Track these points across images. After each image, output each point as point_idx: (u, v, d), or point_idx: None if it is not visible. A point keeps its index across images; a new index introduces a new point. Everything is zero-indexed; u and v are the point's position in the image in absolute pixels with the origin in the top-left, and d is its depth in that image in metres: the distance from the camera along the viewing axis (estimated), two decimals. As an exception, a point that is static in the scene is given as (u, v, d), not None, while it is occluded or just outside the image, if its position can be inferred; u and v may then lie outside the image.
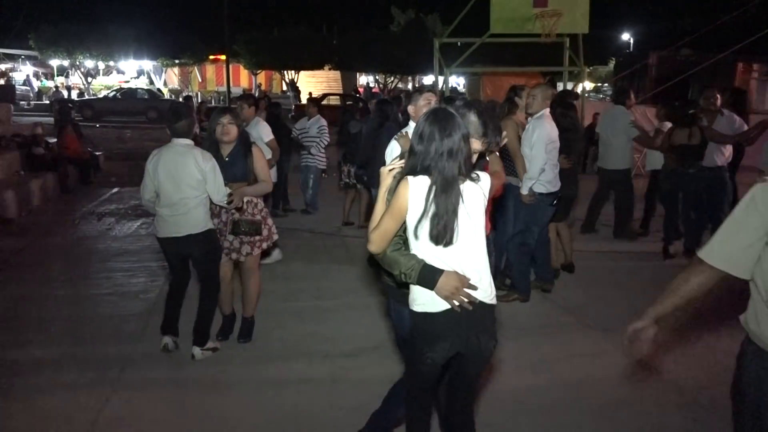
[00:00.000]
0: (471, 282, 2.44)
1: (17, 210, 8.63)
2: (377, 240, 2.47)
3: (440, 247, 2.43)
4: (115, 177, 12.65)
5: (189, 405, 3.74)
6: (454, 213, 2.40)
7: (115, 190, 11.17)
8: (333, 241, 7.56)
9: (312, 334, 4.77)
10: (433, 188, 2.40)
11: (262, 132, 6.46)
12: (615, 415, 3.64)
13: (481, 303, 2.48)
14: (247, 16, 36.56)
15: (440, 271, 2.42)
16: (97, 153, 13.01)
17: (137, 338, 4.70)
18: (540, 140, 5.05)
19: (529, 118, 5.25)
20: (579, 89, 14.02)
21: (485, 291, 2.50)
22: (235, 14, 30.14)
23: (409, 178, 2.44)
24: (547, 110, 5.22)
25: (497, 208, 5.56)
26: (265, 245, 4.55)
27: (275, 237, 4.65)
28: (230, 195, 4.17)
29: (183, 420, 3.59)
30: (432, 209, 2.39)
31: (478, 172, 2.56)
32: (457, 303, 2.43)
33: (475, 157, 2.68)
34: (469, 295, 2.43)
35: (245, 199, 4.34)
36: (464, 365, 2.62)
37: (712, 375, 4.11)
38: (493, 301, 2.54)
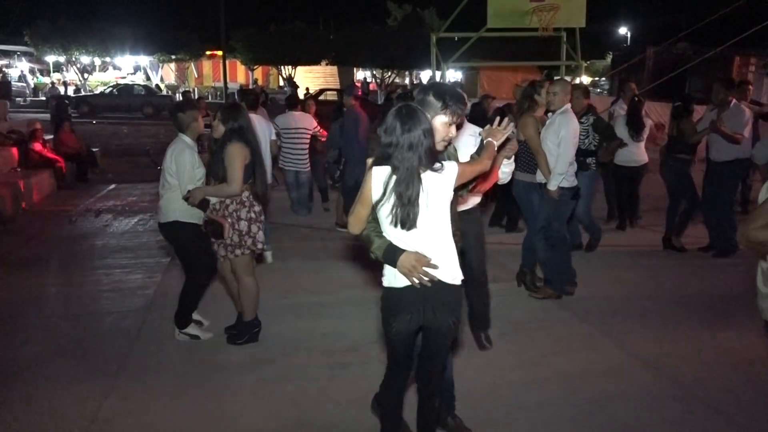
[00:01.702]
0: (432, 261, 2.67)
1: (14, 207, 8.62)
2: (352, 222, 2.78)
3: (403, 231, 2.67)
4: (112, 173, 12.63)
5: (188, 400, 3.75)
6: (415, 200, 2.60)
7: (112, 186, 11.15)
8: (330, 237, 7.56)
9: (310, 330, 4.78)
10: (394, 178, 2.61)
11: None
12: (612, 409, 3.65)
13: (440, 282, 2.70)
14: (244, 11, 36.59)
15: (401, 251, 2.68)
16: (94, 149, 12.98)
17: (135, 334, 4.71)
18: (568, 136, 5.03)
19: (550, 114, 5.25)
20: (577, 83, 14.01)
21: (446, 271, 2.72)
22: (231, 10, 30.14)
23: (374, 168, 2.68)
24: (569, 105, 5.19)
25: (524, 207, 5.62)
26: (238, 252, 4.29)
27: (259, 246, 4.38)
28: (188, 192, 4.28)
29: (182, 415, 3.60)
30: (393, 197, 2.62)
31: (444, 162, 2.70)
32: (416, 280, 2.68)
33: (452, 130, 2.82)
34: (427, 273, 2.67)
35: (213, 199, 4.29)
36: (427, 338, 2.85)
37: (709, 369, 4.14)
38: (455, 282, 2.75)
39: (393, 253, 2.68)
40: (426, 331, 2.82)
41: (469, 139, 3.77)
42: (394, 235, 2.70)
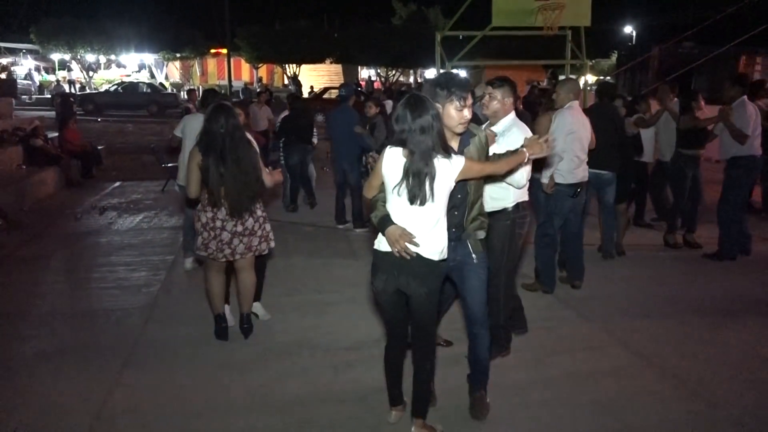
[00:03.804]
0: (415, 239, 3.00)
1: (19, 204, 8.65)
2: (366, 188, 3.25)
3: (407, 206, 3.00)
4: (116, 171, 12.66)
5: (191, 397, 3.76)
6: (425, 180, 2.93)
7: (117, 184, 11.18)
8: (334, 235, 7.57)
9: (313, 328, 4.78)
10: (408, 159, 2.95)
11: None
12: (616, 408, 3.64)
13: (419, 255, 3.02)
14: (248, 9, 36.54)
15: (391, 222, 3.04)
16: (100, 147, 13.01)
17: (140, 331, 4.72)
18: (557, 132, 5.10)
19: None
20: (581, 82, 13.98)
21: (428, 248, 3.04)
22: (236, 8, 30.13)
23: (388, 148, 3.06)
24: (574, 102, 5.22)
25: (531, 202, 5.71)
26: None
27: (197, 252, 4.48)
28: None
29: (186, 412, 3.60)
30: (406, 175, 2.95)
31: (453, 154, 3.01)
32: (396, 249, 3.02)
33: (465, 112, 3.10)
34: (407, 248, 2.99)
35: None
36: (410, 306, 3.20)
37: (713, 368, 4.12)
38: (432, 257, 3.05)
39: (384, 223, 3.07)
40: (408, 299, 3.16)
41: (517, 134, 3.90)
42: (394, 207, 3.06)
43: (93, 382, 3.93)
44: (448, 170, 2.98)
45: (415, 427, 3.28)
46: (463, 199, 3.25)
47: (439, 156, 2.95)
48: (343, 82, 8.42)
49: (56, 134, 11.89)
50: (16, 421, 3.52)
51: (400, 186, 2.98)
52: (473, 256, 3.35)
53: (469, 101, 3.15)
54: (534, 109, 7.98)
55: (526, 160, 3.29)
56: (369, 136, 7.36)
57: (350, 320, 4.92)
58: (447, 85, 3.10)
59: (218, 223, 4.28)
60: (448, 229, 3.18)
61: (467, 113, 3.12)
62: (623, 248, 6.65)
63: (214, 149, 4.15)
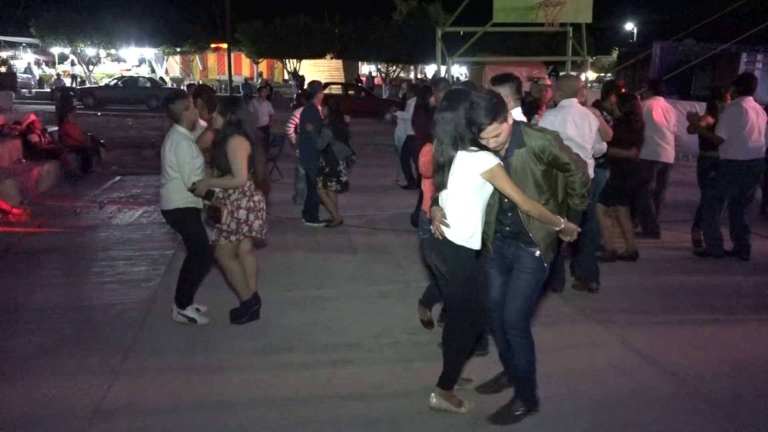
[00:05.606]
0: (445, 220, 3.21)
1: (19, 198, 8.64)
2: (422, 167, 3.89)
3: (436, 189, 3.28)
4: (116, 165, 12.64)
5: (191, 392, 3.76)
6: (445, 167, 3.12)
7: (117, 178, 11.17)
8: (334, 231, 7.57)
9: (313, 323, 4.78)
10: (436, 145, 3.18)
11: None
12: (614, 405, 3.65)
13: (444, 236, 3.23)
14: (249, 4, 36.51)
15: (437, 203, 3.30)
16: (102, 141, 12.99)
17: (139, 326, 4.72)
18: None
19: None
20: (582, 79, 13.96)
21: (452, 231, 3.22)
22: (236, 3, 30.07)
23: None
24: (568, 101, 4.98)
25: None
26: (233, 238, 4.52)
27: (253, 234, 4.57)
28: (194, 184, 4.46)
29: (185, 407, 3.61)
30: (434, 161, 3.21)
31: (478, 149, 3.06)
32: (433, 228, 3.29)
33: (491, 142, 3.04)
34: (438, 227, 3.24)
35: (217, 189, 4.51)
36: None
37: (712, 366, 4.13)
38: (455, 240, 3.22)
39: (432, 203, 3.34)
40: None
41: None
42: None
43: (92, 376, 3.93)
44: (468, 165, 3.05)
45: (434, 395, 3.49)
46: (514, 205, 3.16)
47: (462, 149, 3.07)
48: (310, 79, 8.44)
49: (56, 128, 11.87)
50: (14, 414, 3.53)
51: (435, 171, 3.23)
52: (526, 258, 3.28)
53: (494, 131, 2.98)
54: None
55: (558, 228, 3.23)
56: (316, 135, 7.29)
57: (349, 316, 4.92)
58: (469, 112, 3.00)
59: (262, 204, 4.62)
60: (503, 226, 3.31)
61: (491, 143, 3.02)
62: (636, 253, 6.33)
63: (251, 136, 4.45)
